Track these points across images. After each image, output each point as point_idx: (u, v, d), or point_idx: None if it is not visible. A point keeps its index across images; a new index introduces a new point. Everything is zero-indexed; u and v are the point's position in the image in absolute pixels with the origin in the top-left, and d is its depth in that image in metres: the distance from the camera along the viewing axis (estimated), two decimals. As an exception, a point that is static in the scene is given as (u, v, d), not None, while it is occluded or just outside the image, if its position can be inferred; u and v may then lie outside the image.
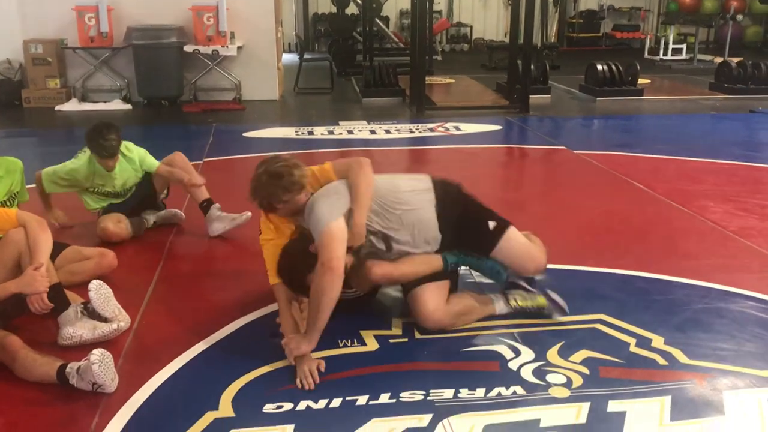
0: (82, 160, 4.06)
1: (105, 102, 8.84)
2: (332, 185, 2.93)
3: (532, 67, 9.05)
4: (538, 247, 3.21)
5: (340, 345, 2.86)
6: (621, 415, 2.40)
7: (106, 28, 8.66)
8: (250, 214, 4.06)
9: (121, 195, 4.19)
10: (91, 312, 2.93)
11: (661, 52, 14.36)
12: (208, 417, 2.40)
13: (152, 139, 6.11)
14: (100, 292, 2.96)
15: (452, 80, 11.71)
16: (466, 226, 3.08)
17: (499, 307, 3.11)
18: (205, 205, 4.18)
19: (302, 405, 2.46)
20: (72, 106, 8.68)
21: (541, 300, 3.10)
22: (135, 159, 4.12)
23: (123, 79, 9.08)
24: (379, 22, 14.23)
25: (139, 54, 8.70)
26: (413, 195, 3.01)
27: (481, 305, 3.10)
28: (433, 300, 2.94)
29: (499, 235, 3.05)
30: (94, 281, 3.00)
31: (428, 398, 2.50)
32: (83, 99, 8.96)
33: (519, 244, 3.11)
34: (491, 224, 3.07)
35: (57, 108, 8.63)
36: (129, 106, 8.81)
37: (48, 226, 2.95)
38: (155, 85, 8.87)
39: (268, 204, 2.88)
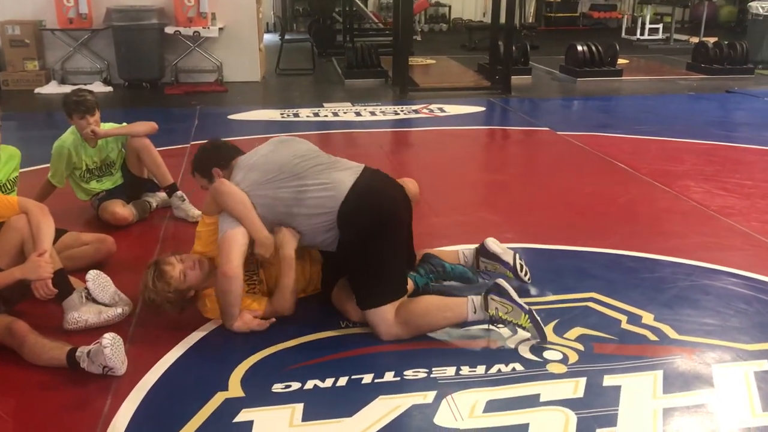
0: (65, 133, 4.14)
1: (85, 84, 8.69)
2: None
3: (513, 47, 9.12)
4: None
5: (342, 326, 2.94)
6: (616, 389, 2.51)
7: (86, 10, 8.55)
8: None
9: (106, 173, 4.22)
10: (93, 297, 2.97)
11: (638, 32, 14.50)
12: (219, 398, 2.46)
13: (135, 122, 6.08)
14: (97, 281, 3.00)
15: (433, 61, 11.74)
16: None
17: (473, 311, 2.81)
18: (168, 192, 4.26)
19: (310, 384, 2.53)
20: (51, 88, 8.58)
21: (524, 320, 2.76)
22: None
23: (103, 61, 8.99)
24: (359, 2, 14.16)
25: (119, 36, 8.61)
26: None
27: (449, 309, 2.85)
28: (383, 321, 2.80)
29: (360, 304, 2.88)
30: (91, 271, 3.04)
31: (431, 376, 2.58)
32: (63, 81, 8.86)
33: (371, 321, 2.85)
34: None
35: (36, 91, 8.53)
36: (110, 89, 8.73)
37: (49, 213, 2.98)
38: (136, 67, 8.79)
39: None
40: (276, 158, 2.97)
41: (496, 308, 2.79)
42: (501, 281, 2.86)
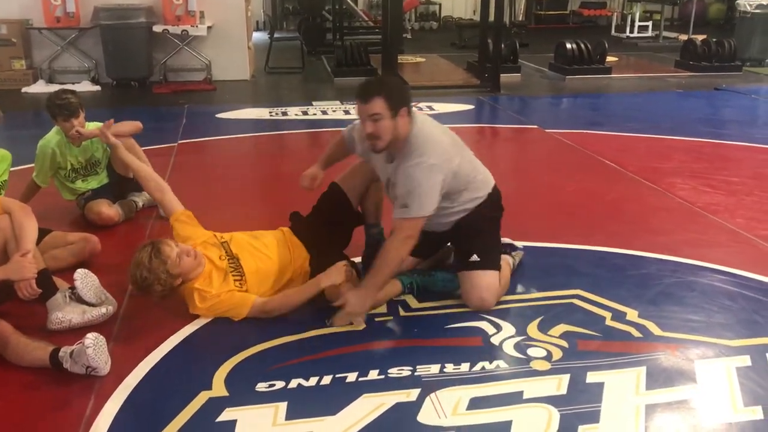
0: (50, 133, 4.11)
1: (73, 83, 8.65)
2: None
3: (503, 45, 9.13)
4: (494, 290, 3.12)
5: (328, 324, 2.93)
6: (599, 386, 2.52)
7: (73, 8, 8.51)
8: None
9: (91, 172, 4.20)
10: (78, 297, 2.96)
11: (628, 29, 14.54)
12: (203, 397, 2.45)
13: (123, 121, 6.06)
14: (85, 281, 2.98)
15: (423, 59, 11.73)
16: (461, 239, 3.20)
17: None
18: None
19: (294, 383, 2.53)
20: (39, 87, 8.53)
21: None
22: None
23: (91, 60, 8.95)
24: (348, 0, 14.15)
25: (107, 34, 8.57)
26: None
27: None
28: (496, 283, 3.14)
29: (471, 266, 3.09)
30: (79, 270, 3.02)
31: (415, 374, 2.59)
32: (50, 80, 8.82)
33: (478, 284, 3.07)
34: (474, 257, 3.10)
35: (24, 90, 8.48)
36: (98, 88, 8.69)
37: (32, 213, 2.96)
38: (124, 65, 8.75)
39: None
40: (451, 136, 3.13)
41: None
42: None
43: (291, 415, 2.36)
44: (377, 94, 2.85)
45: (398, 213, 2.92)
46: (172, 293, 2.99)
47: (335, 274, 2.95)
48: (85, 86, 8.65)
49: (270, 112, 7.44)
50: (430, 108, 7.62)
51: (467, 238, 3.17)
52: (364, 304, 2.92)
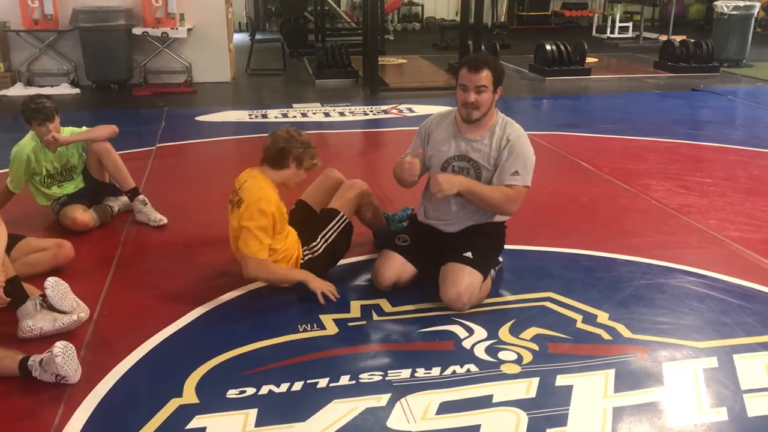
0: (24, 138, 4.09)
1: (52, 86, 8.64)
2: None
3: (482, 47, 9.16)
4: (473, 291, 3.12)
5: (300, 330, 2.94)
6: (568, 389, 2.54)
7: (51, 11, 8.46)
8: (166, 220, 4.18)
9: (67, 178, 4.18)
10: (49, 304, 2.95)
11: (609, 30, 14.64)
12: (173, 404, 2.45)
13: (102, 124, 6.03)
14: (56, 289, 2.95)
15: (405, 60, 11.76)
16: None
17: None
18: (130, 195, 4.24)
19: (264, 389, 2.53)
20: (18, 90, 8.46)
21: None
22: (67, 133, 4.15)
23: (70, 62, 8.89)
24: (330, 1, 14.15)
25: (86, 37, 8.52)
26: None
27: None
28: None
29: (461, 261, 3.13)
30: (50, 278, 2.99)
31: (386, 378, 2.60)
32: (29, 83, 8.76)
33: (460, 280, 3.09)
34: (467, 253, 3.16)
35: (2, 93, 8.41)
36: (77, 90, 8.64)
37: (1, 219, 2.95)
38: (104, 68, 8.69)
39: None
40: None
41: None
42: None
43: (261, 421, 2.36)
44: (487, 67, 3.09)
45: (511, 179, 3.14)
46: (301, 166, 3.20)
47: (319, 284, 3.18)
48: (65, 89, 8.61)
49: (250, 115, 7.43)
50: (410, 110, 7.64)
51: (471, 237, 3.25)
52: (452, 186, 3.05)
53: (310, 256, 3.33)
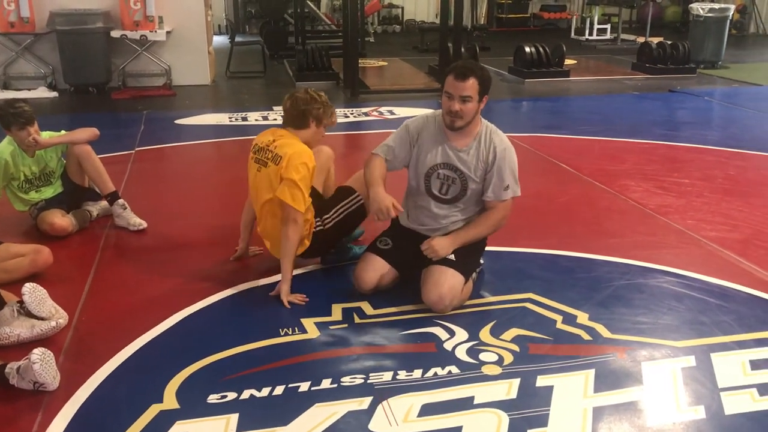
0: (2, 143, 4.05)
1: (29, 90, 8.55)
2: None
3: (462, 49, 9.20)
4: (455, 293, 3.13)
5: (282, 333, 2.94)
6: (549, 389, 2.56)
7: (27, 14, 8.37)
8: (145, 224, 4.14)
9: (45, 182, 4.15)
10: (27, 311, 2.92)
11: (587, 32, 14.77)
12: (153, 410, 2.44)
13: (81, 127, 5.99)
14: (34, 295, 2.92)
15: (385, 63, 11.78)
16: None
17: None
18: (109, 199, 4.20)
19: (246, 394, 2.53)
20: (-6, 94, 8.38)
21: None
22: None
23: (48, 65, 8.81)
24: (311, 4, 14.14)
25: (64, 40, 8.44)
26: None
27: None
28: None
29: (443, 263, 3.14)
30: (27, 284, 2.96)
31: (368, 381, 2.60)
32: (6, 87, 8.66)
33: (442, 282, 3.10)
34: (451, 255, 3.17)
35: (-23, 97, 8.32)
36: (55, 94, 8.55)
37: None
38: (82, 71, 8.61)
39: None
40: None
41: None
42: None
43: (242, 426, 2.36)
44: (474, 76, 3.06)
45: (503, 194, 3.22)
46: (321, 124, 3.37)
47: (286, 295, 3.21)
48: (42, 92, 8.52)
49: (230, 118, 7.40)
50: (391, 112, 7.65)
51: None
52: (448, 249, 3.13)
53: (321, 227, 3.42)
